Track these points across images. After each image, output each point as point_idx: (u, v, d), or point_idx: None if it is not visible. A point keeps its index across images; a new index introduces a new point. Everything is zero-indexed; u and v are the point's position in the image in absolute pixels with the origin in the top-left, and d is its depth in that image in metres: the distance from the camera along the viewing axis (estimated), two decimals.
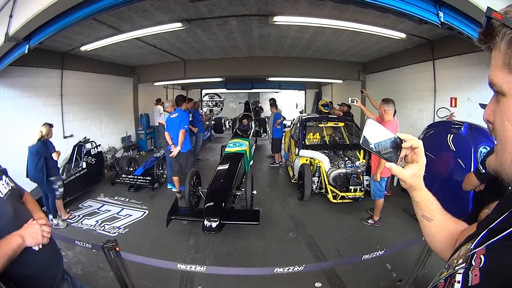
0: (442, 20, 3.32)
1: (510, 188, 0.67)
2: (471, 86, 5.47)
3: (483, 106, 0.71)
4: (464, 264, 0.68)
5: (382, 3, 3.17)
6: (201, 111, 14.12)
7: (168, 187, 7.03)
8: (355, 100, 5.61)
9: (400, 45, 7.01)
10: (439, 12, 3.32)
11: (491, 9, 0.60)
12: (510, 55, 0.59)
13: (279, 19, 5.14)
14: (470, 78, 5.47)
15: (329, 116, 7.55)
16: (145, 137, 11.06)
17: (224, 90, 17.64)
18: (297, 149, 6.66)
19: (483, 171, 2.83)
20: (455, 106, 5.90)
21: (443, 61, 6.25)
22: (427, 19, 3.36)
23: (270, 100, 10.36)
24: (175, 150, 5.92)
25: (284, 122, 9.23)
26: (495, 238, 0.65)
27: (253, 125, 10.58)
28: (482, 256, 0.64)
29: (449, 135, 4.69)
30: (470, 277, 0.63)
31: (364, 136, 0.96)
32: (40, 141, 4.70)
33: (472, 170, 3.54)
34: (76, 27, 4.76)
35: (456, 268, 0.70)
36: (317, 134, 7.62)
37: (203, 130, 10.61)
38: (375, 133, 0.96)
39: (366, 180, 5.80)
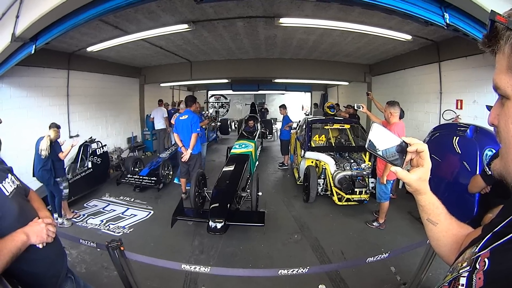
0: (448, 22, 3.30)
1: None
2: (477, 88, 5.44)
3: (489, 108, 0.70)
4: (468, 268, 0.68)
5: (388, 4, 3.16)
6: (206, 112, 13.87)
7: (175, 181, 7.06)
8: (361, 106, 5.63)
9: (405, 46, 6.98)
10: (444, 13, 3.30)
11: (494, 12, 0.59)
12: None
13: (285, 21, 5.14)
14: (476, 80, 5.43)
15: (335, 118, 7.51)
16: (151, 138, 11.10)
17: (230, 92, 17.65)
18: (302, 151, 6.65)
19: (489, 172, 2.80)
20: (461, 108, 5.86)
21: (449, 63, 6.22)
22: (432, 20, 3.34)
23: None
24: (186, 154, 5.81)
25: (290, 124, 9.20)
26: (499, 242, 0.65)
27: (259, 127, 10.57)
28: (486, 260, 0.64)
29: (455, 137, 4.67)
30: (474, 280, 0.63)
31: (370, 140, 0.96)
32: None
33: (477, 173, 3.51)
34: (83, 28, 4.81)
35: (461, 271, 0.70)
36: (323, 136, 7.61)
37: (205, 139, 8.73)
38: (381, 138, 0.96)
39: (372, 182, 5.77)
